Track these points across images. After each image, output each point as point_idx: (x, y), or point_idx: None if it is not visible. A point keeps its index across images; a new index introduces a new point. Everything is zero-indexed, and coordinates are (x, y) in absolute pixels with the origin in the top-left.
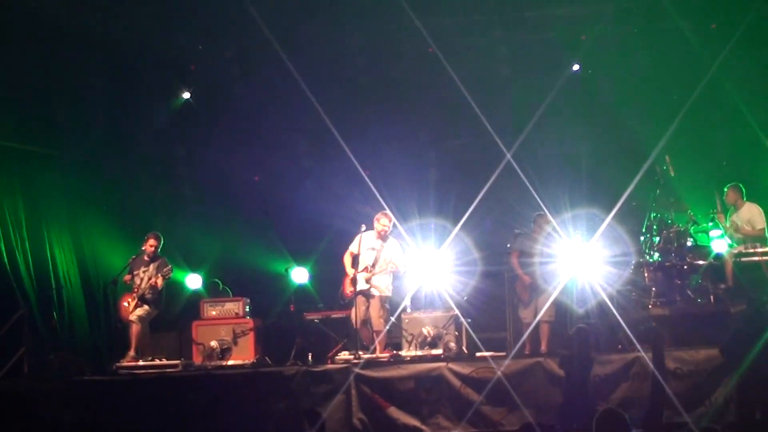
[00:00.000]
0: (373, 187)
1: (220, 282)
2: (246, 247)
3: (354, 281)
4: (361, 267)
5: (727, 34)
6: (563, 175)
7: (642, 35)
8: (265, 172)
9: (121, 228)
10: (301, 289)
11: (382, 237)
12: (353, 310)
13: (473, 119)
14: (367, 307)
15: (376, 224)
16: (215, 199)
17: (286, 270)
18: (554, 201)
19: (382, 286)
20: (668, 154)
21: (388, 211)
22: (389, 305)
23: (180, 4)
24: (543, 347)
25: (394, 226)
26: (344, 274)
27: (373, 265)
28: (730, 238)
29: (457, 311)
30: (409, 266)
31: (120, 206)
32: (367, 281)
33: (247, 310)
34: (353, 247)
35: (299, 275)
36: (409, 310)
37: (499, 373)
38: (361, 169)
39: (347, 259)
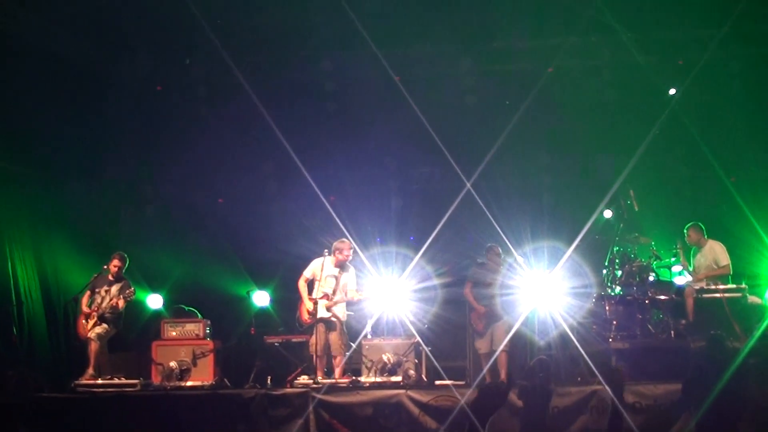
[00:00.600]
0: (334, 214)
1: (184, 307)
2: (208, 268)
3: (313, 308)
4: (319, 294)
5: (687, 71)
6: (525, 207)
7: (606, 68)
8: (228, 196)
9: (83, 246)
10: (262, 312)
11: (341, 265)
12: (313, 336)
13: (436, 149)
14: (327, 336)
15: (336, 252)
16: (178, 220)
17: (248, 293)
18: (515, 232)
19: (340, 312)
20: (632, 189)
21: (348, 239)
22: (346, 329)
23: (146, 29)
24: (502, 376)
25: (354, 253)
26: (300, 299)
27: (334, 293)
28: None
29: (417, 338)
30: (366, 294)
31: (83, 224)
32: (328, 309)
33: (208, 331)
34: (308, 273)
35: (260, 298)
36: (369, 336)
37: (462, 402)
38: (322, 196)
39: (302, 286)
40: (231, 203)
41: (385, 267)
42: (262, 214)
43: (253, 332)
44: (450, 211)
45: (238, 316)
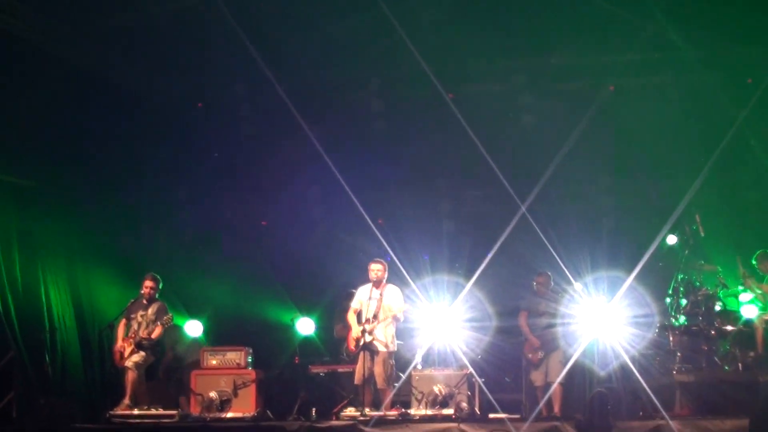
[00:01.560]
0: (383, 239)
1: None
2: (250, 295)
3: (360, 337)
4: (364, 320)
5: (755, 89)
6: (583, 232)
7: (670, 87)
8: (272, 219)
9: (119, 271)
10: (307, 341)
11: (378, 285)
12: (358, 365)
13: (489, 170)
14: (372, 364)
15: (370, 273)
16: (218, 244)
17: (292, 320)
18: (573, 258)
19: (386, 339)
20: (698, 213)
21: (380, 259)
22: (395, 361)
23: (185, 48)
24: (556, 409)
25: (388, 271)
26: (349, 328)
27: (375, 316)
28: (762, 303)
29: (470, 369)
30: (408, 310)
31: (119, 249)
32: (369, 333)
33: (249, 360)
34: (355, 303)
35: (305, 326)
36: (420, 366)
37: None
38: (369, 220)
39: (351, 317)
40: (275, 227)
41: (435, 294)
42: (307, 238)
43: (297, 361)
44: (504, 236)
45: (282, 344)
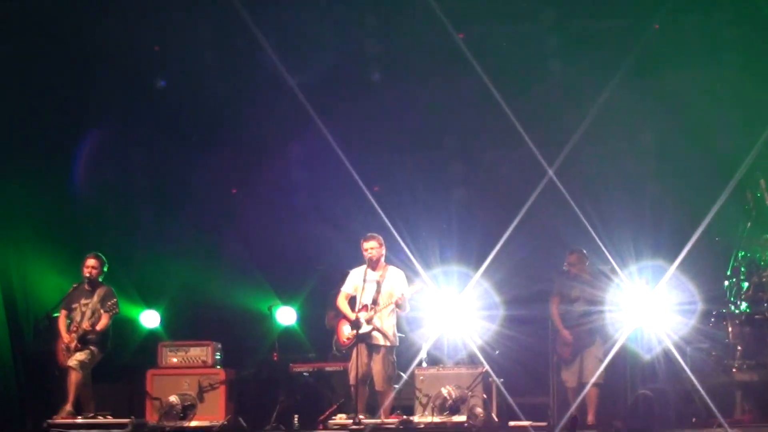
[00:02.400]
0: (380, 210)
1: None
2: (218, 278)
3: (355, 325)
4: (359, 306)
5: None
6: (623, 199)
7: (728, 26)
8: (245, 186)
9: (60, 252)
10: (288, 333)
11: (376, 265)
12: (352, 362)
13: (509, 127)
14: (369, 361)
15: (363, 252)
16: (180, 217)
17: (269, 309)
18: (610, 230)
19: (387, 330)
20: (764, 178)
21: (374, 234)
22: (396, 357)
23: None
24: (590, 418)
25: (385, 249)
26: (339, 318)
27: (374, 302)
28: None
29: (486, 367)
30: (416, 301)
31: (60, 225)
32: (369, 322)
33: (218, 357)
34: (347, 287)
35: (285, 316)
36: (425, 364)
37: None
38: (364, 187)
39: (342, 303)
40: (250, 196)
41: (444, 277)
42: (288, 210)
43: (276, 358)
44: (527, 206)
45: (258, 338)
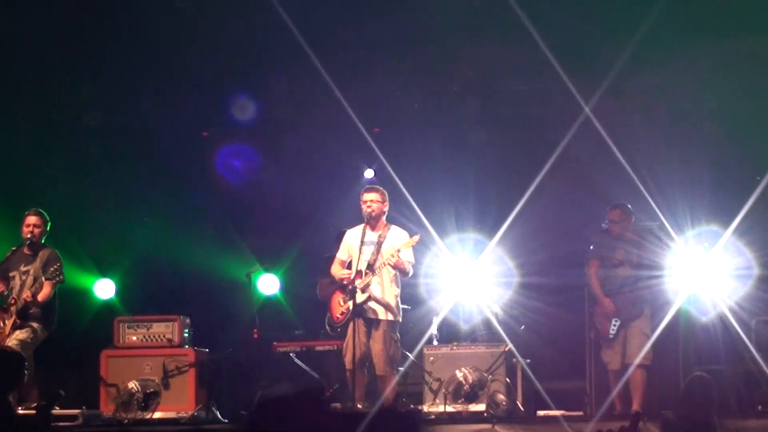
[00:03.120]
0: (382, 156)
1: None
2: (187, 239)
3: (351, 295)
4: (354, 273)
5: None
6: (673, 139)
7: None
8: (219, 128)
9: None
10: (270, 305)
11: (375, 225)
12: (347, 340)
13: (537, 53)
14: (368, 339)
15: (362, 207)
16: (138, 166)
17: (248, 276)
18: (658, 180)
19: (388, 301)
20: None
21: (376, 185)
22: (399, 335)
23: None
24: (635, 405)
25: (388, 204)
26: (335, 286)
27: (370, 268)
28: None
29: (510, 345)
30: (425, 266)
31: None
32: (363, 290)
33: (186, 335)
34: (341, 253)
35: (267, 285)
36: (435, 342)
37: None
38: (363, 129)
39: (337, 270)
40: (223, 141)
41: (460, 238)
42: (273, 157)
43: (256, 336)
44: (559, 150)
45: (234, 311)
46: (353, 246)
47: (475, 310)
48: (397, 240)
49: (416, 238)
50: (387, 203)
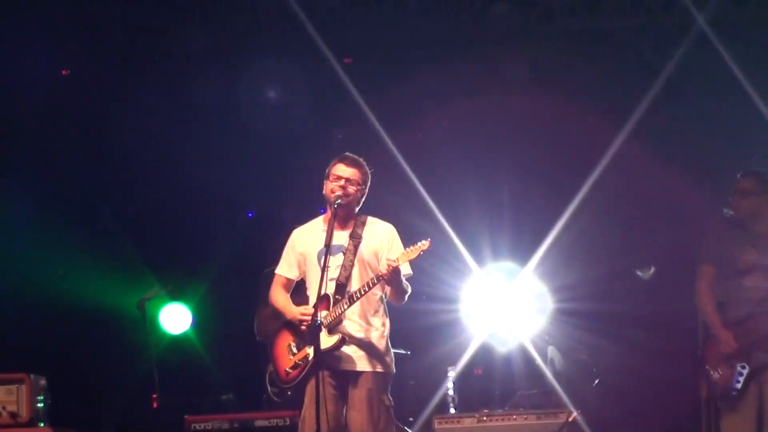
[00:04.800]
0: (373, 118)
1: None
2: (49, 248)
3: (311, 335)
4: (314, 300)
5: None
6: None
7: None
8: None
9: None
10: (179, 353)
11: (346, 219)
12: (306, 410)
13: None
14: (340, 405)
15: (327, 188)
16: None
17: (140, 307)
18: None
19: (374, 341)
20: None
21: (353, 156)
22: (391, 399)
23: None
24: None
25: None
26: (279, 325)
27: (340, 288)
28: None
29: (575, 413)
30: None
31: None
32: (333, 328)
33: (40, 405)
34: (286, 265)
35: (173, 318)
36: (453, 409)
37: None
38: (333, 58)
39: (279, 296)
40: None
41: (492, 248)
42: (186, 129)
43: (156, 406)
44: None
45: (120, 364)
46: (310, 255)
47: (517, 354)
48: (379, 239)
49: (425, 243)
50: (367, 186)
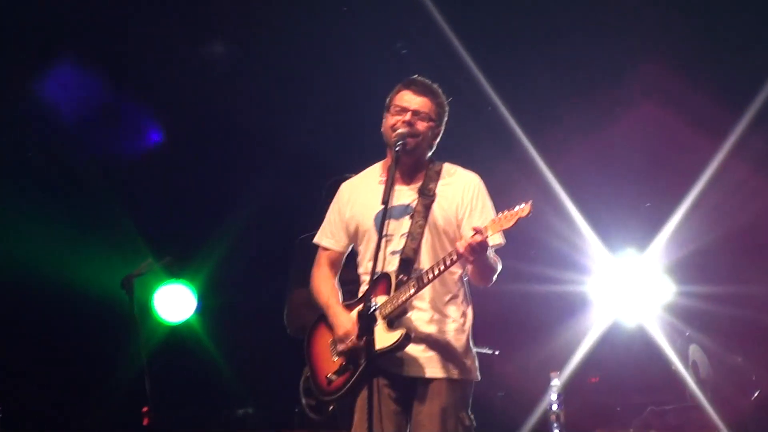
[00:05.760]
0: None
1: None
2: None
3: (363, 331)
4: (368, 281)
5: None
6: None
7: None
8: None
9: None
10: (179, 349)
11: (413, 165)
12: (354, 429)
13: None
14: (405, 420)
15: (390, 119)
16: None
17: (126, 285)
18: None
19: (450, 339)
20: None
21: (432, 84)
22: (472, 414)
23: None
24: None
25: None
26: (318, 318)
27: (408, 266)
28: None
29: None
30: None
31: None
32: (393, 320)
33: None
34: (335, 236)
35: (171, 302)
36: (557, 430)
37: None
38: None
39: (323, 283)
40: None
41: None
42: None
43: (147, 421)
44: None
45: (100, 366)
46: (363, 218)
47: (646, 356)
48: (464, 200)
49: (525, 208)
50: (443, 123)
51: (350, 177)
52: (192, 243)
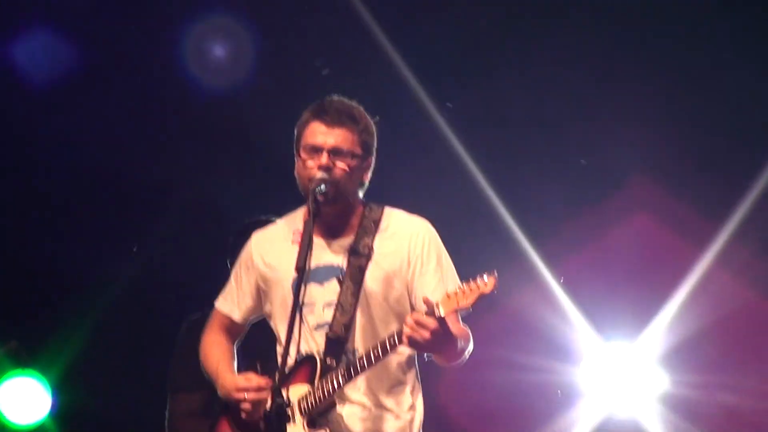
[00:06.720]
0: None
1: None
2: None
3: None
4: (288, 362)
5: None
6: None
7: None
8: None
9: None
10: None
11: (339, 215)
12: None
13: None
14: None
15: (299, 162)
16: None
17: None
18: None
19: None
20: None
21: (357, 106)
22: None
23: None
24: None
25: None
26: (209, 423)
27: (337, 345)
28: None
29: None
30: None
31: None
32: (315, 413)
33: None
34: (228, 302)
35: (17, 400)
36: None
37: None
38: None
39: (213, 348)
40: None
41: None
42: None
43: None
44: None
45: None
46: (279, 282)
47: None
48: (411, 259)
49: (490, 281)
50: (372, 159)
51: (265, 221)
52: (45, 324)
